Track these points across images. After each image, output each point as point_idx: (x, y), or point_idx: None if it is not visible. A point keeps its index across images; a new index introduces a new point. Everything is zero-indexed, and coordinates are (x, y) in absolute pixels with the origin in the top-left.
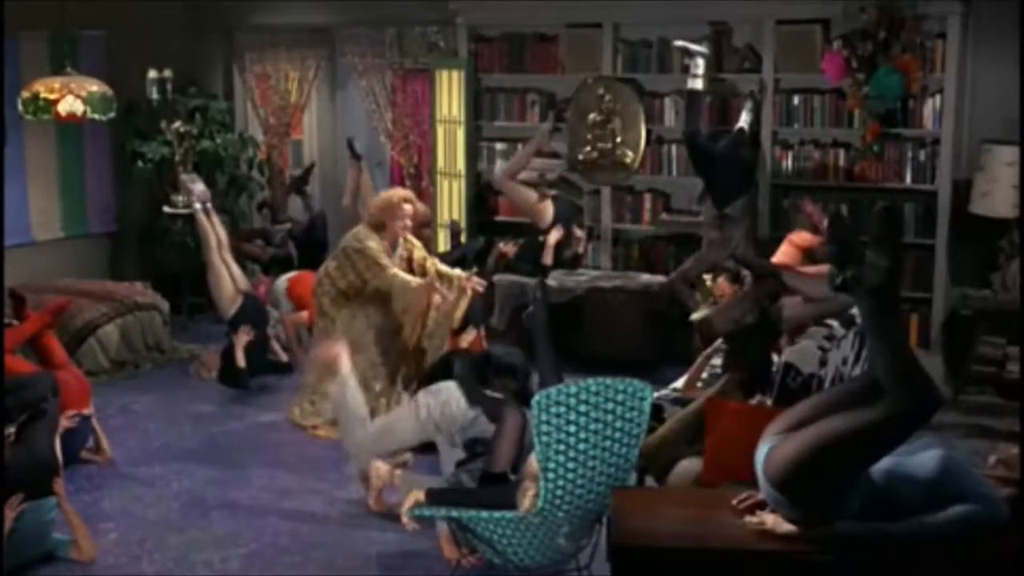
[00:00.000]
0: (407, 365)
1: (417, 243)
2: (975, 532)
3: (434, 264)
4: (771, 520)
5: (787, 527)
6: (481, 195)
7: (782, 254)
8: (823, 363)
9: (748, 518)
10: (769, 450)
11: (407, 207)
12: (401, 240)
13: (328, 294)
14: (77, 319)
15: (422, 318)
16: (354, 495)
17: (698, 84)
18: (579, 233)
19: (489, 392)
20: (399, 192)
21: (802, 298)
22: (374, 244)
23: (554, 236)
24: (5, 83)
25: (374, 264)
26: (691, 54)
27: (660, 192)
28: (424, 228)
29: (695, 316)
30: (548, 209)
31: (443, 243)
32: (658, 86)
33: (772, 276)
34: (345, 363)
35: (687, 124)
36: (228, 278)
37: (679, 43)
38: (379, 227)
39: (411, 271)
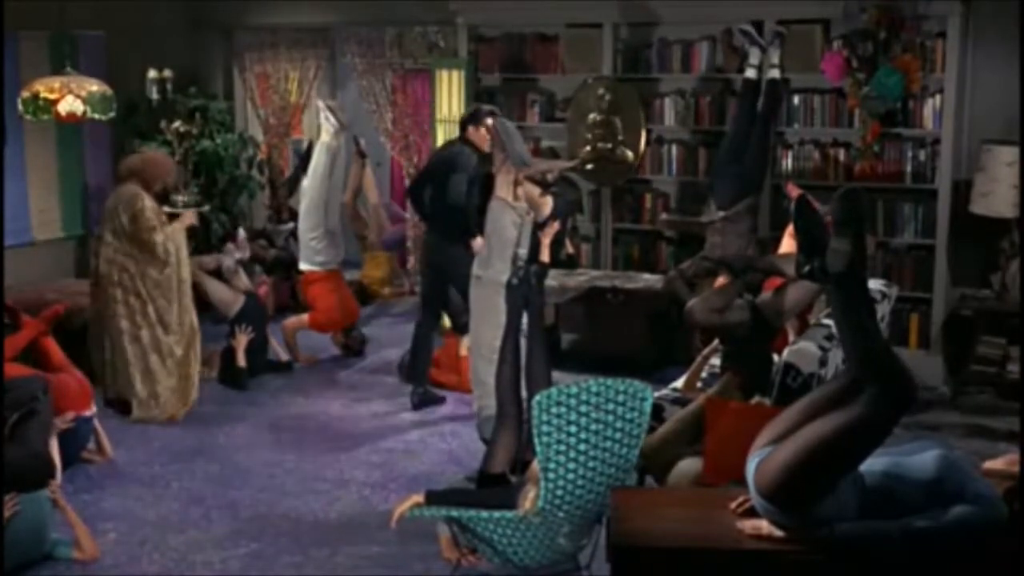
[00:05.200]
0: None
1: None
2: (974, 533)
3: None
4: (766, 526)
5: (781, 532)
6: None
7: (786, 247)
8: (823, 363)
9: (743, 523)
10: (758, 463)
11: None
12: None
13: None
14: (76, 319)
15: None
16: (354, 495)
17: (752, 74)
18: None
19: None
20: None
21: (787, 281)
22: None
23: (550, 230)
24: (5, 83)
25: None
26: (753, 42)
27: (660, 192)
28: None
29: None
30: (548, 204)
31: None
32: (658, 86)
33: (751, 268)
34: None
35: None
36: (216, 284)
37: (745, 27)
38: (149, 187)
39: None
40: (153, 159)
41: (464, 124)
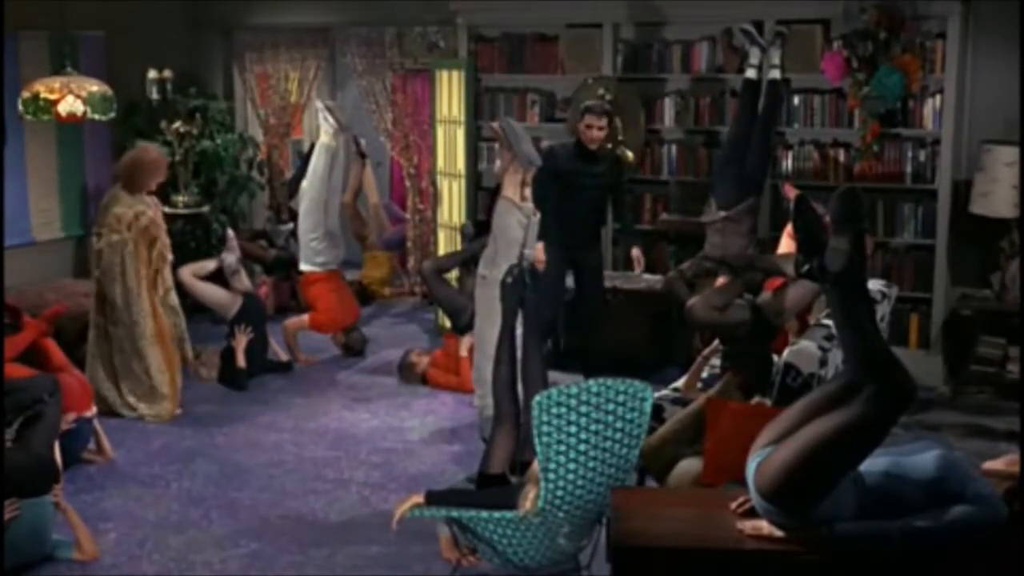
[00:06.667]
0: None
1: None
2: (974, 533)
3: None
4: (766, 526)
5: (781, 532)
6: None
7: (785, 246)
8: (823, 363)
9: (743, 523)
10: (758, 463)
11: (163, 168)
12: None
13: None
14: (77, 320)
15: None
16: (354, 495)
17: (752, 74)
18: None
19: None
20: (154, 150)
21: (787, 281)
22: (117, 211)
23: None
24: (5, 83)
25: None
26: (753, 41)
27: (660, 192)
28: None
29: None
30: None
31: (444, 244)
32: (658, 86)
33: (751, 268)
34: None
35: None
36: (211, 288)
37: (745, 26)
38: (135, 189)
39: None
40: (138, 163)
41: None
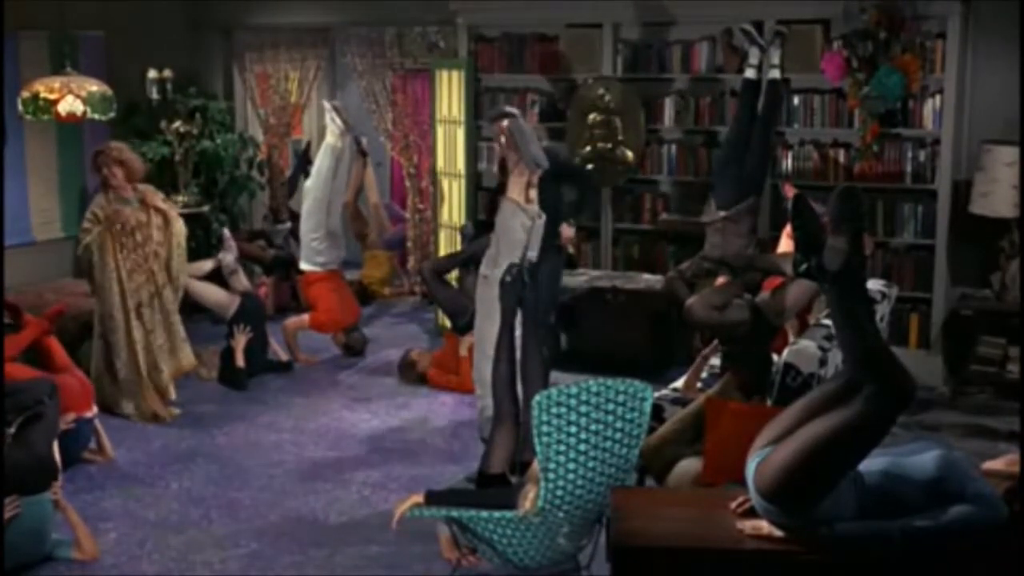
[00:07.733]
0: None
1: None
2: (974, 532)
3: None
4: (766, 526)
5: (781, 532)
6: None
7: (784, 246)
8: (823, 363)
9: (743, 523)
10: (758, 463)
11: (101, 157)
12: (131, 188)
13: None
14: (77, 319)
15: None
16: (354, 495)
17: (752, 74)
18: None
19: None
20: (98, 148)
21: (786, 281)
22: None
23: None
24: (5, 83)
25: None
26: (753, 41)
27: (660, 192)
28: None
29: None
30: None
31: (444, 244)
32: (658, 86)
33: (750, 267)
34: None
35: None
36: (209, 288)
37: (745, 26)
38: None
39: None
40: None
41: None
